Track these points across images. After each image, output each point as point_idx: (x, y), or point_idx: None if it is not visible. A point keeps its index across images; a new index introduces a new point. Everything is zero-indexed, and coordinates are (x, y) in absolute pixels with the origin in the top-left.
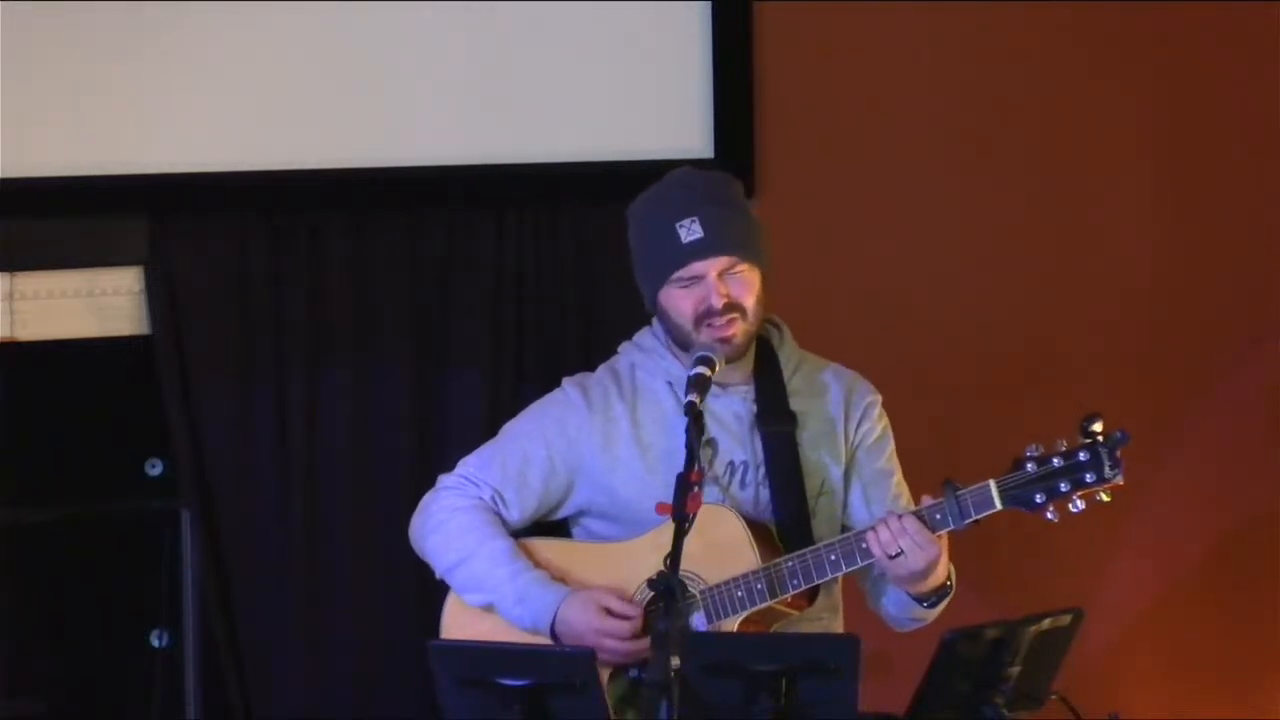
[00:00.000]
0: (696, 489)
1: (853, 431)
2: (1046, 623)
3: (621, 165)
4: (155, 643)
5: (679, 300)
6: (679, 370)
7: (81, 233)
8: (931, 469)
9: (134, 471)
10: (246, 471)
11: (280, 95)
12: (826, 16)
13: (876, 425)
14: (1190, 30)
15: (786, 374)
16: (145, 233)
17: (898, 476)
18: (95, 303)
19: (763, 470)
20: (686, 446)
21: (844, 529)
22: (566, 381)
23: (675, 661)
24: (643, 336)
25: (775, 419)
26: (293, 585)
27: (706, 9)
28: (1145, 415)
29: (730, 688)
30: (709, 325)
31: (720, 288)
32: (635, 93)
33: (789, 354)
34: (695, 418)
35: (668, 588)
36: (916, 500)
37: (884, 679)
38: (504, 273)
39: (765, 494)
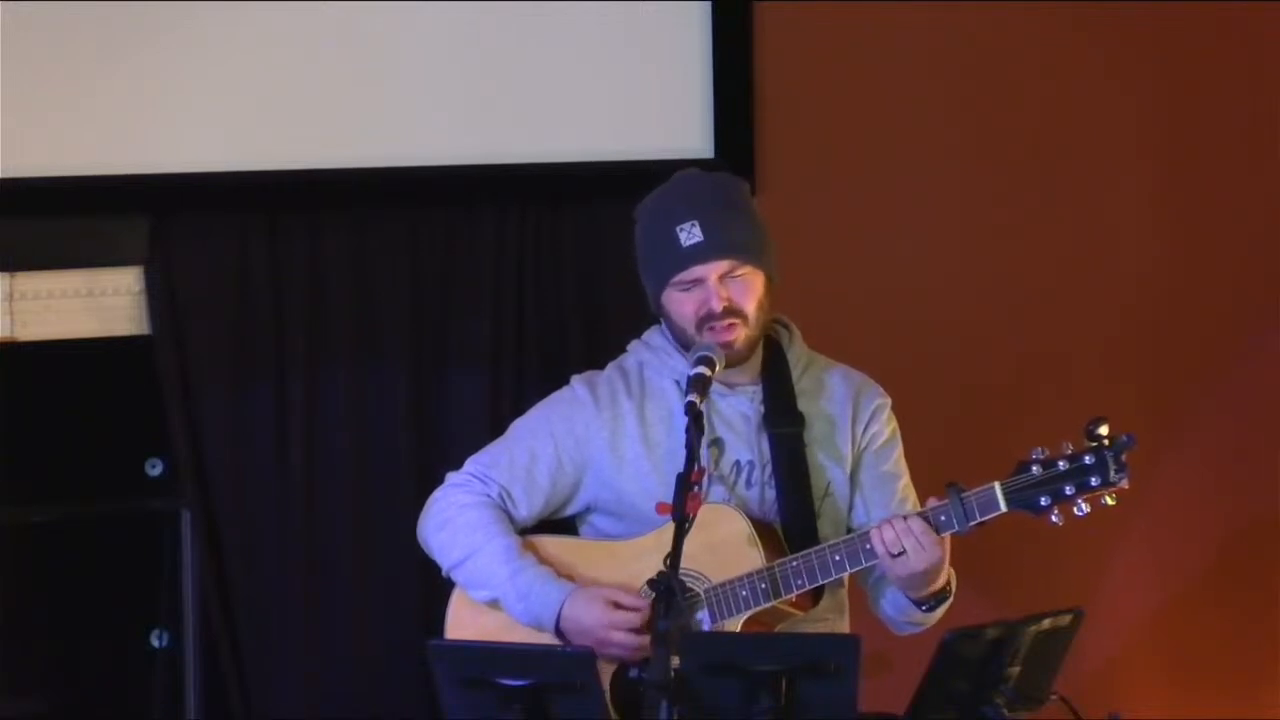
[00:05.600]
0: (696, 489)
1: (860, 434)
2: (1046, 623)
3: (621, 165)
4: (155, 643)
5: (680, 303)
6: (687, 369)
7: (81, 233)
8: (934, 471)
9: (134, 471)
10: (246, 471)
11: (280, 95)
12: (826, 16)
13: (885, 428)
14: (1191, 29)
15: (795, 375)
16: (145, 233)
17: (905, 480)
18: (95, 303)
19: (769, 470)
20: (686, 446)
21: (849, 531)
22: (575, 379)
23: (675, 661)
24: (651, 335)
25: (782, 419)
26: (293, 585)
27: (706, 9)
28: (1146, 416)
29: (730, 688)
30: (709, 329)
31: (720, 291)
32: (635, 93)
33: (798, 355)
34: (695, 418)
35: (668, 587)
36: (922, 504)
37: (884, 679)
38: (504, 272)
39: (771, 494)
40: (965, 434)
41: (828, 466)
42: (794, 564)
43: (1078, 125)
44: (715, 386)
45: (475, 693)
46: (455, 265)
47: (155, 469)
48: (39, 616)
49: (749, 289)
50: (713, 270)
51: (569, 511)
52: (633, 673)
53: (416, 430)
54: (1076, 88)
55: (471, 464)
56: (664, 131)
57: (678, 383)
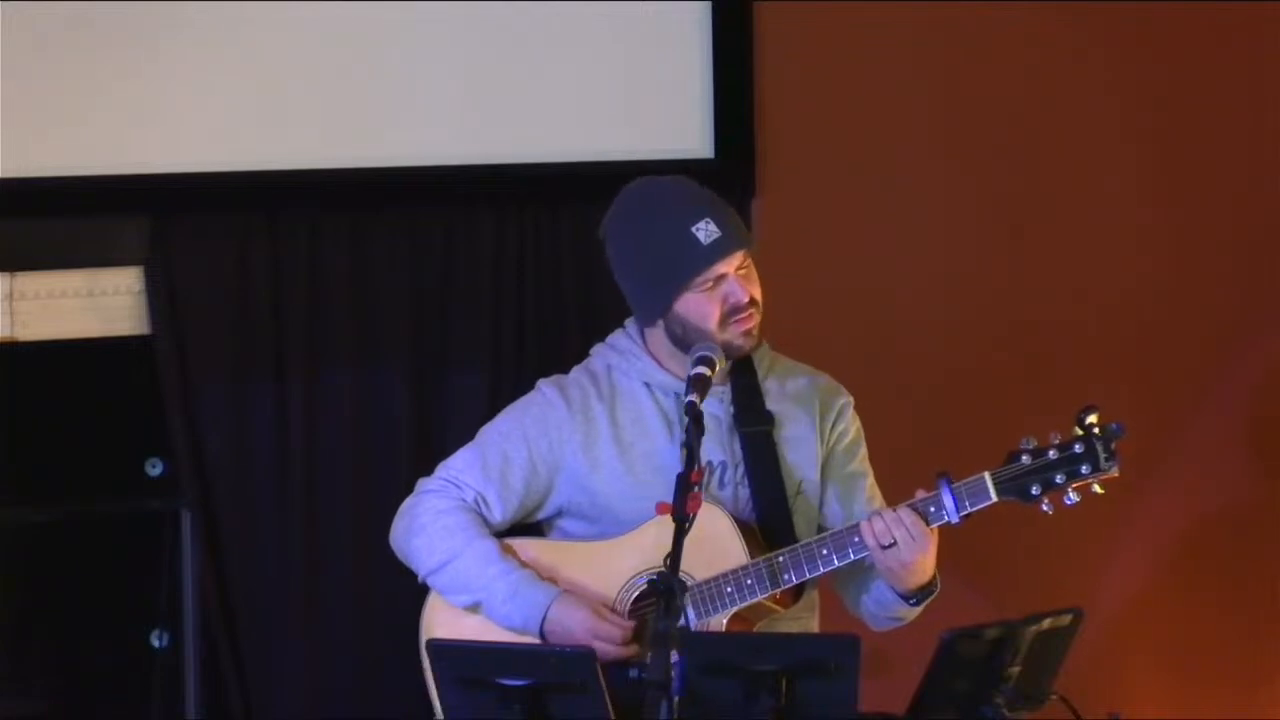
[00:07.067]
0: (696, 489)
1: (828, 432)
2: (1046, 623)
3: (621, 165)
4: (155, 643)
5: (703, 304)
6: (657, 372)
7: (81, 233)
8: (931, 463)
9: (134, 471)
10: (246, 471)
11: (280, 95)
12: (826, 16)
13: (851, 426)
14: (1188, 27)
15: (760, 375)
16: (145, 233)
17: (871, 479)
18: (95, 303)
19: (741, 470)
20: (686, 446)
21: (820, 529)
22: (543, 383)
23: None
24: (617, 338)
25: (752, 419)
26: (293, 585)
27: (706, 9)
28: (1144, 414)
29: (730, 688)
30: (735, 322)
31: (741, 283)
32: (635, 93)
33: (762, 355)
34: (695, 418)
35: (668, 588)
36: (891, 501)
37: (884, 679)
38: (504, 272)
39: (745, 493)
40: (965, 428)
41: (799, 465)
42: (780, 559)
43: (1077, 124)
44: (685, 388)
45: (475, 693)
46: (455, 265)
47: (155, 469)
48: (39, 616)
49: (754, 276)
50: (732, 264)
51: (541, 515)
52: (633, 673)
53: (416, 430)
54: (1076, 87)
55: (444, 470)
56: (664, 131)
57: (647, 385)
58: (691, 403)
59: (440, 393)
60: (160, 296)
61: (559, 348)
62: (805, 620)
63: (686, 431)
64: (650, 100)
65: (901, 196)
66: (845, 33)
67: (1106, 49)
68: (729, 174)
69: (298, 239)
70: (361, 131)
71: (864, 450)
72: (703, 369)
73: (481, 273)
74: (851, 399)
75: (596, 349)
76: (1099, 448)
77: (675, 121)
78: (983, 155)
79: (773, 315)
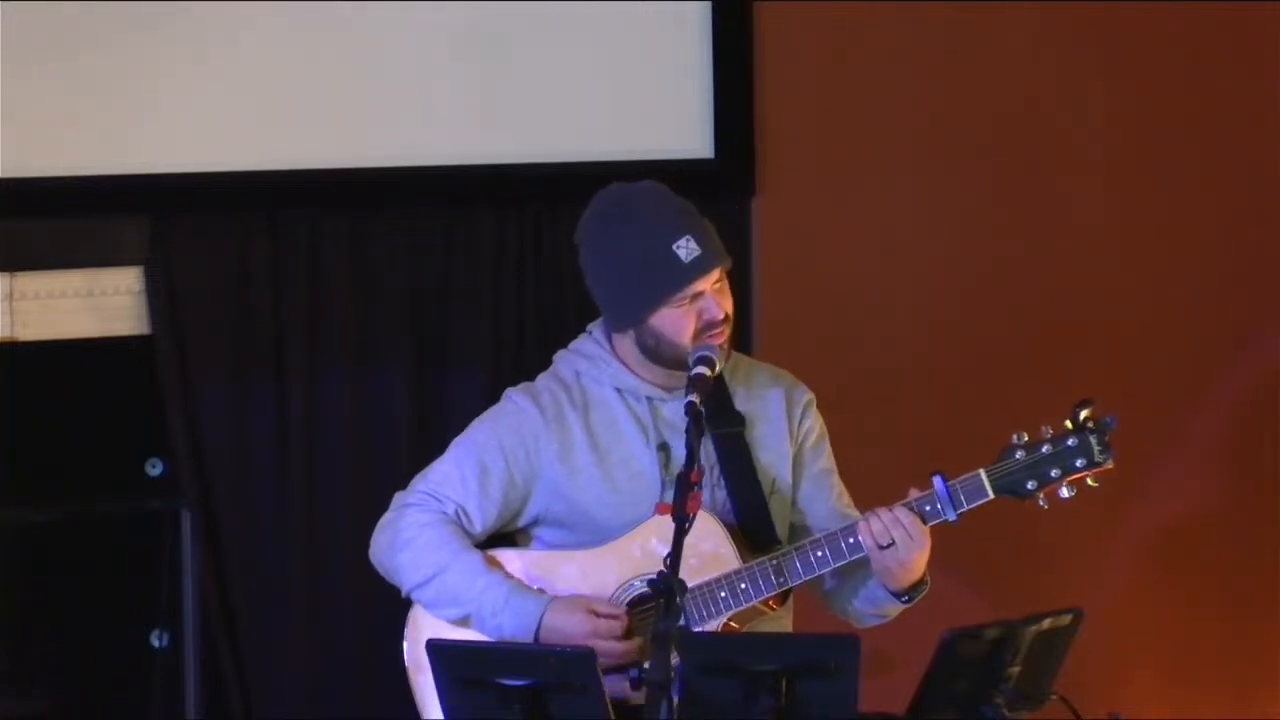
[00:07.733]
0: (697, 489)
1: (796, 429)
2: (1046, 623)
3: (622, 165)
4: (155, 643)
5: (679, 319)
6: (627, 377)
7: (81, 233)
8: (930, 459)
9: (134, 471)
10: (246, 471)
11: (280, 95)
12: (826, 16)
13: (816, 423)
14: (1186, 28)
15: (726, 376)
16: (146, 232)
17: (837, 475)
18: (95, 303)
19: (717, 471)
20: (686, 446)
21: (793, 527)
22: (512, 392)
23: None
24: (583, 344)
25: (724, 420)
26: (293, 585)
27: (706, 9)
28: (1142, 415)
29: (730, 688)
30: (709, 337)
31: (716, 299)
32: (635, 93)
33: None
34: (696, 418)
35: (668, 588)
36: (885, 499)
37: (884, 679)
38: (504, 273)
39: (721, 495)
40: (960, 427)
41: (771, 464)
42: (774, 562)
43: (1075, 124)
44: (656, 392)
45: (475, 693)
46: (455, 265)
47: (155, 469)
48: (39, 616)
49: (727, 291)
50: (710, 281)
51: (518, 524)
52: (632, 673)
53: (416, 430)
54: (1075, 87)
55: (422, 483)
56: (664, 131)
57: (619, 390)
58: (691, 403)
59: (440, 393)
60: (160, 296)
61: (559, 348)
62: (783, 620)
63: (687, 432)
64: (650, 100)
65: (900, 196)
66: (845, 33)
67: (1104, 50)
68: (729, 174)
69: (298, 239)
70: (361, 131)
71: (829, 447)
72: (703, 369)
73: (481, 273)
74: (813, 396)
75: (561, 355)
76: (1093, 441)
77: (675, 121)
78: (981, 155)
79: (772, 314)
